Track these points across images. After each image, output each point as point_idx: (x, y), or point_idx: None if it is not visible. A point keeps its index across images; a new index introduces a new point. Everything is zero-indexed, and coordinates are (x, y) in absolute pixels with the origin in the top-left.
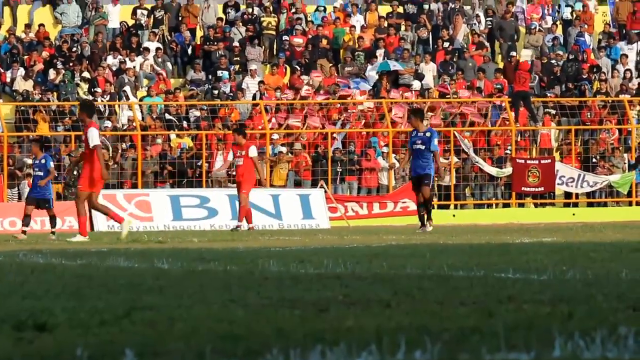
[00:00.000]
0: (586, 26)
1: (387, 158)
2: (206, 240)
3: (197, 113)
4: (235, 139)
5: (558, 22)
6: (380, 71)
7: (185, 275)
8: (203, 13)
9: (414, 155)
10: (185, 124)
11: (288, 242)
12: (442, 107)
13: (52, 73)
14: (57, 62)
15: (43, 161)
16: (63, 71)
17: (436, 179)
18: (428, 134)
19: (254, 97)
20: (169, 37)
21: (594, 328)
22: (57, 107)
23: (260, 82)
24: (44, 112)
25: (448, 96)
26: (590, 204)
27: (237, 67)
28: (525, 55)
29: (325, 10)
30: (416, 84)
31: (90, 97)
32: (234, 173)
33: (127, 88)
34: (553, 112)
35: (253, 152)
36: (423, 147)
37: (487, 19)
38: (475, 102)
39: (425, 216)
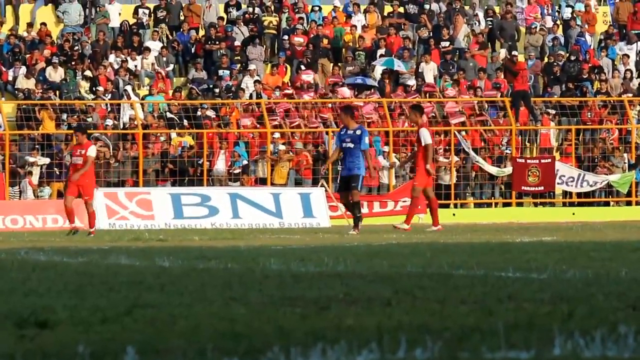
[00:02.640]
0: (587, 26)
1: (387, 157)
2: (207, 238)
3: (199, 112)
4: (78, 138)
5: (558, 22)
6: (384, 68)
7: (186, 273)
8: (204, 12)
9: (343, 154)
10: (186, 122)
11: (289, 241)
12: (434, 105)
13: (49, 71)
14: (53, 58)
15: None
16: (60, 68)
17: (371, 176)
18: (358, 132)
19: (250, 97)
20: (171, 36)
21: (594, 327)
22: (59, 105)
23: (256, 81)
24: (50, 109)
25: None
26: (590, 204)
27: (238, 66)
28: (527, 55)
29: (321, 9)
30: (412, 82)
31: (92, 96)
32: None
33: (128, 87)
34: (553, 112)
35: (92, 151)
36: (352, 146)
37: (487, 19)
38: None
39: (352, 222)
